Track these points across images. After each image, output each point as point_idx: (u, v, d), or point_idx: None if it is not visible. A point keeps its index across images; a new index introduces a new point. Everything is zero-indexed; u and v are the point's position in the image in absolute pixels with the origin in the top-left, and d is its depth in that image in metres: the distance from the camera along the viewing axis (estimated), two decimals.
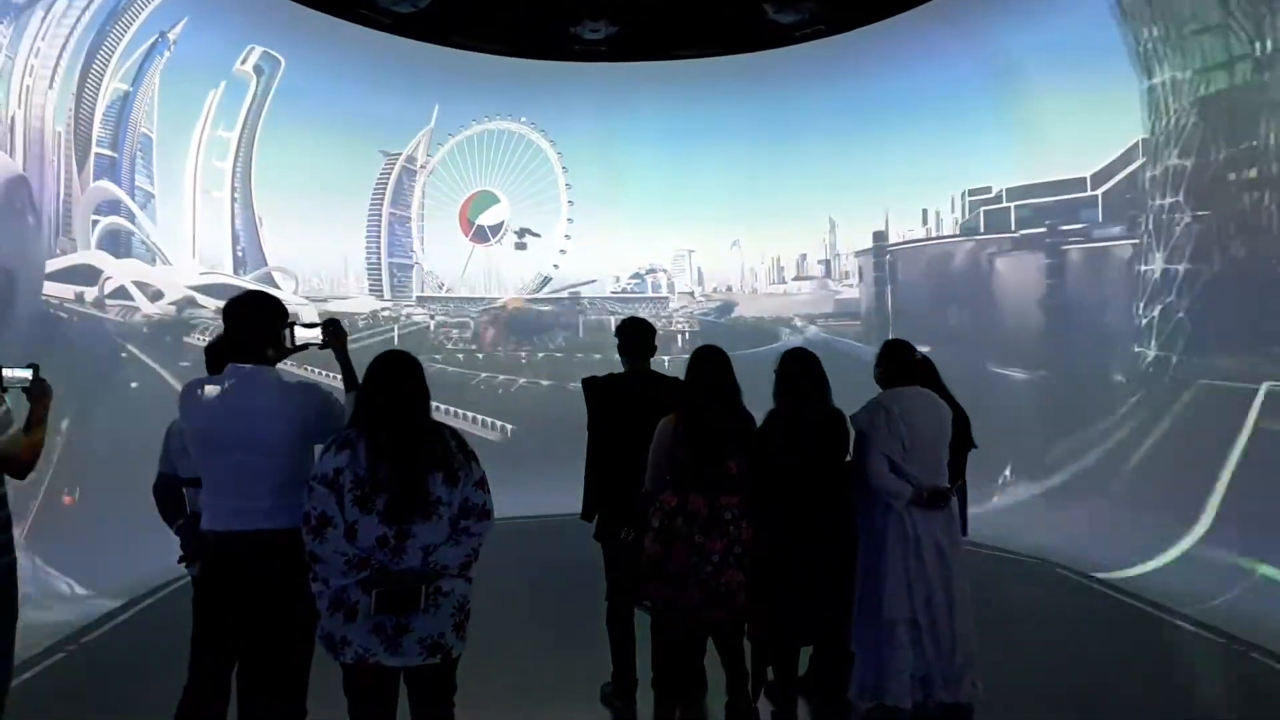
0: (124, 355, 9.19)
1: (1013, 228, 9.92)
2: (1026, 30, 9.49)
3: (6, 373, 3.10)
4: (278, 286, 11.29)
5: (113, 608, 6.32)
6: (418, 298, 12.81)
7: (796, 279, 12.68)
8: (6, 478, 3.11)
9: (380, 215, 12.46)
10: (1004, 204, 10.06)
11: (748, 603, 3.98)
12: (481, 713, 3.51)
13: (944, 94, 10.54)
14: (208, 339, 4.06)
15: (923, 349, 4.56)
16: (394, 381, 3.00)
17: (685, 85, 11.77)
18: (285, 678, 3.10)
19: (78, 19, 8.04)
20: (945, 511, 4.22)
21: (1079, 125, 9.16)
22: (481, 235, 13.20)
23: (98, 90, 8.61)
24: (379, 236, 12.47)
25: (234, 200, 10.84)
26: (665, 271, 13.33)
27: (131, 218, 9.42)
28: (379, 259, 12.48)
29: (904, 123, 10.98)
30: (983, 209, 10.29)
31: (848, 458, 4.25)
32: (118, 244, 9.28)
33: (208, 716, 3.28)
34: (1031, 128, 9.66)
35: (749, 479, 4.03)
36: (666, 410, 4.12)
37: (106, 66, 8.64)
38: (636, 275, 13.37)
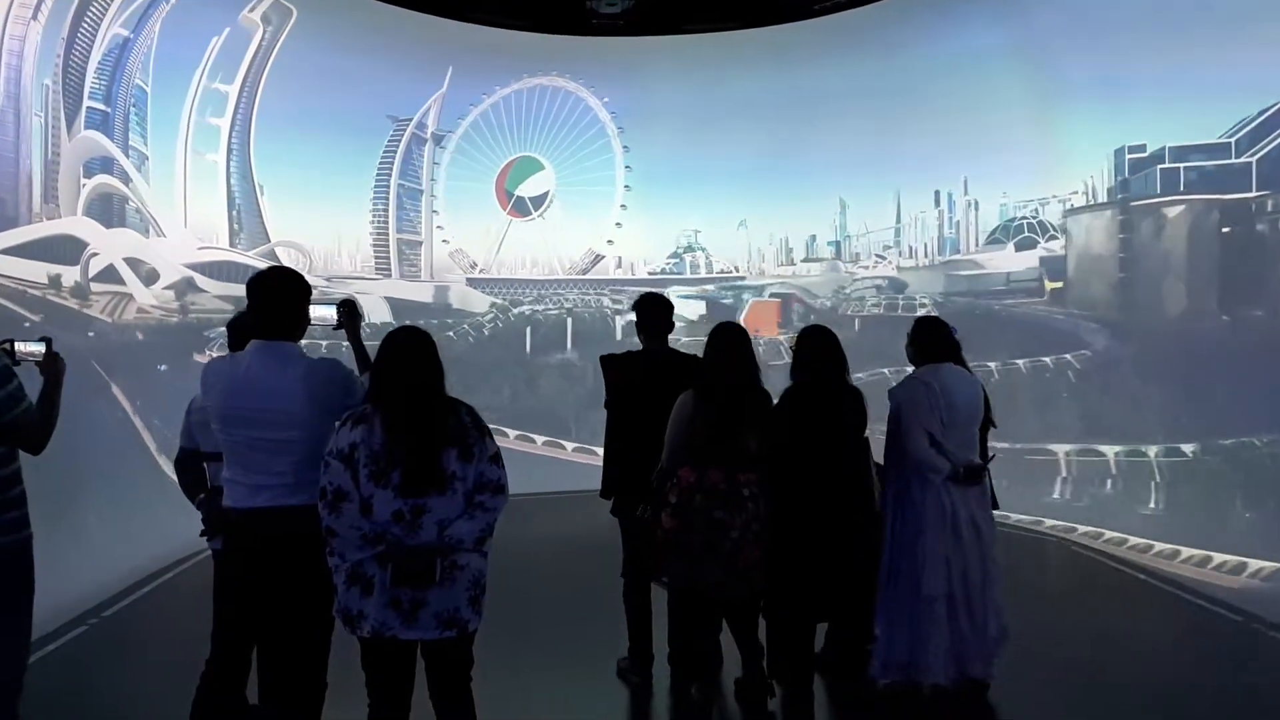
0: (114, 389, 7.82)
1: (1181, 189, 8.86)
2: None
3: (19, 347, 3.14)
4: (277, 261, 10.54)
5: (133, 582, 6.37)
6: (469, 280, 12.11)
7: (806, 260, 12.30)
8: (20, 452, 3.11)
9: (388, 187, 11.63)
10: (1170, 164, 8.95)
11: (764, 579, 3.99)
12: (499, 687, 3.53)
13: (967, 66, 10.16)
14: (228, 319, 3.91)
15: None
16: (408, 357, 3.00)
17: (707, 59, 11.34)
18: (306, 652, 3.13)
19: None
20: (979, 487, 4.26)
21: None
22: (522, 208, 12.47)
23: (93, 37, 7.83)
24: (386, 210, 11.65)
25: (230, 164, 9.98)
26: (704, 250, 12.70)
27: (126, 180, 8.50)
28: (387, 235, 11.67)
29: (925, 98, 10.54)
30: (1158, 168, 8.93)
31: (866, 435, 4.24)
32: (109, 211, 8.24)
33: (229, 690, 3.38)
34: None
35: (767, 456, 4.03)
36: (685, 388, 4.11)
37: (106, 10, 7.93)
38: (674, 255, 12.78)
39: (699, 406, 4.00)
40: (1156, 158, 9.03)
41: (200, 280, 9.77)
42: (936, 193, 11.04)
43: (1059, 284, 9.93)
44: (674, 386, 4.12)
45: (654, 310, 4.56)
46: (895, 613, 4.24)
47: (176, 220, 9.46)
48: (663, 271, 12.77)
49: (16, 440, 3.01)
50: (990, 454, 4.55)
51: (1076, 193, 9.59)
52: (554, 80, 12.19)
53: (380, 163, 11.65)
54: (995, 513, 4.54)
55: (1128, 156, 9.17)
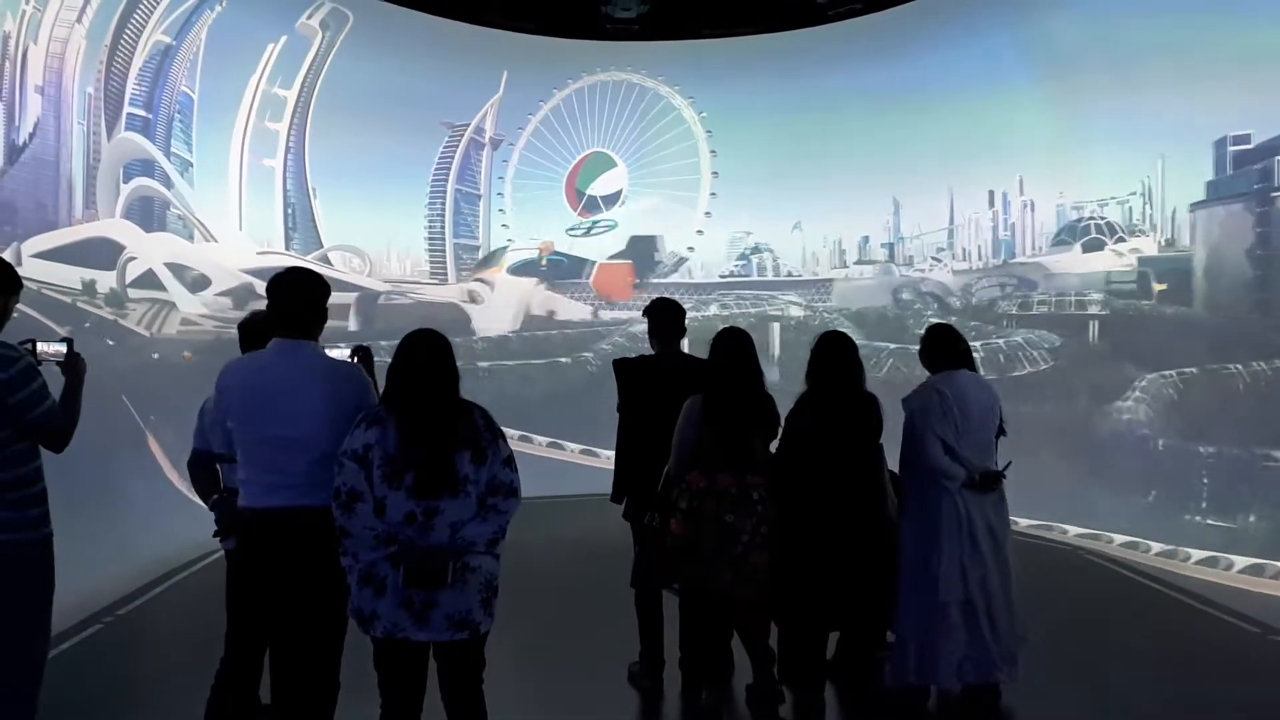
0: (150, 420, 7.73)
1: None
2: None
3: (41, 347, 3.18)
4: (330, 265, 10.57)
5: (147, 581, 6.38)
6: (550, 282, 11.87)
7: (858, 263, 11.83)
8: (42, 451, 3.15)
9: (444, 192, 11.57)
10: None
11: (774, 585, 4.02)
12: (510, 690, 3.52)
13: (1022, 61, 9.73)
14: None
15: None
16: (424, 360, 3.02)
17: (754, 59, 11.11)
18: (319, 653, 3.15)
19: None
20: (995, 494, 4.28)
21: None
22: (593, 207, 12.22)
23: (135, 44, 7.95)
24: (443, 215, 11.59)
25: (286, 169, 10.10)
26: (771, 252, 12.23)
27: (167, 183, 8.65)
28: (443, 239, 11.59)
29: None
30: (1277, 160, 8.17)
31: (880, 441, 4.24)
32: (149, 215, 8.37)
33: (242, 690, 3.40)
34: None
35: (776, 461, 4.09)
36: (697, 393, 4.12)
37: (149, 18, 8.01)
38: (742, 257, 12.33)
39: (706, 412, 4.02)
40: (1270, 149, 8.15)
41: (261, 287, 9.79)
42: (990, 193, 10.48)
43: (1163, 285, 9.08)
44: (686, 391, 4.13)
45: (666, 316, 4.59)
46: (911, 618, 4.25)
47: (229, 226, 9.52)
48: (730, 275, 12.35)
49: (40, 438, 3.07)
50: (1007, 464, 4.52)
51: (1135, 193, 9.04)
52: (627, 76, 11.95)
53: (436, 168, 11.62)
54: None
55: (1230, 149, 8.30)
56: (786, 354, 11.21)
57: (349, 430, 3.03)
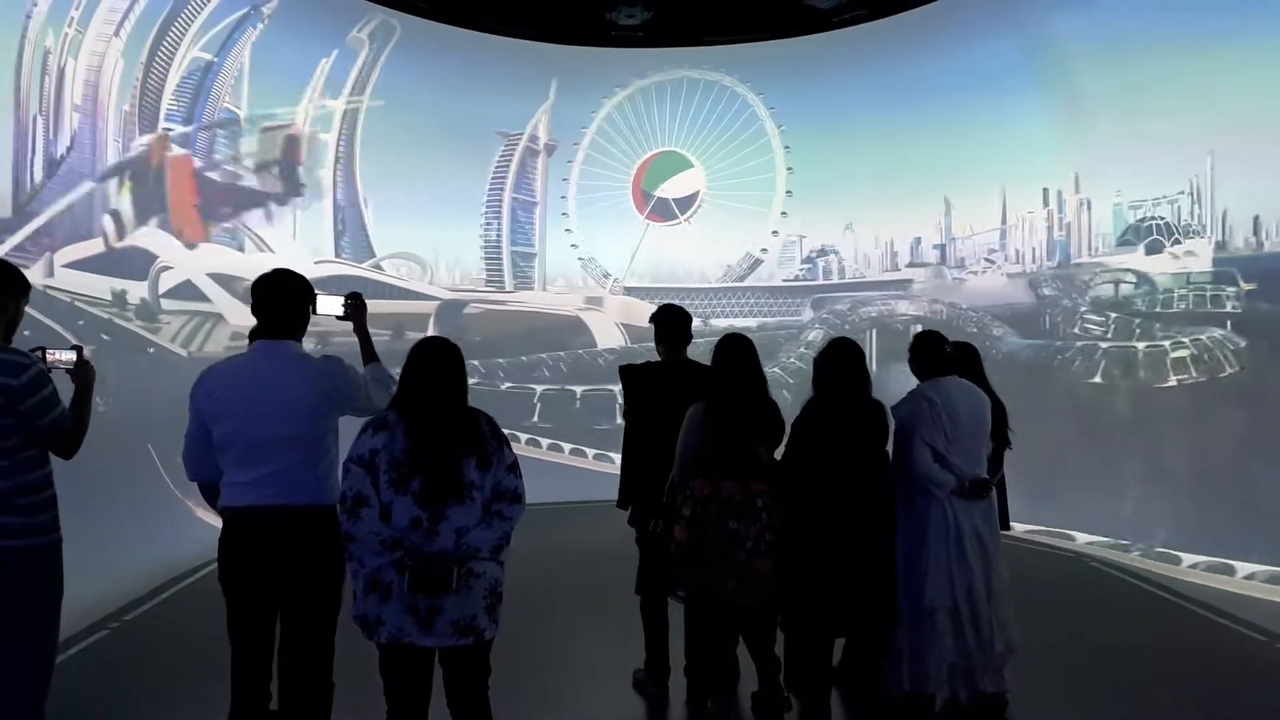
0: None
1: None
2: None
3: (51, 354, 3.24)
4: (381, 271, 10.67)
5: (154, 586, 6.45)
6: (626, 288, 11.73)
7: (910, 265, 11.26)
8: (52, 457, 3.20)
9: (501, 200, 11.53)
10: None
11: (780, 591, 4.05)
12: (515, 695, 3.58)
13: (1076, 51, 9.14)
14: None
15: None
16: (436, 367, 3.05)
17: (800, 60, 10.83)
18: (310, 652, 3.20)
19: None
20: (985, 501, 4.32)
21: None
22: (664, 210, 11.94)
23: (170, 61, 8.17)
24: (500, 223, 11.55)
25: (336, 179, 10.25)
26: (836, 254, 11.71)
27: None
28: (500, 247, 11.56)
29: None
30: None
31: (887, 449, 4.26)
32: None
33: (252, 694, 3.33)
34: None
35: (782, 468, 4.10)
36: (703, 399, 4.15)
37: (183, 35, 8.24)
38: (808, 260, 11.82)
39: (710, 419, 4.04)
40: None
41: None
42: (1045, 190, 9.76)
43: (1252, 285, 8.18)
44: (693, 398, 4.16)
45: (673, 322, 4.61)
46: (902, 625, 4.29)
47: (283, 236, 9.68)
48: (796, 278, 11.87)
49: (50, 444, 3.12)
50: (997, 473, 4.58)
51: (1183, 193, 8.38)
52: (690, 73, 11.65)
53: (493, 177, 11.60)
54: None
55: None
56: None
57: (333, 428, 3.18)
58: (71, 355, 3.30)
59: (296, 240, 9.92)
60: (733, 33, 10.78)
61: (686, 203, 11.93)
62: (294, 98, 9.77)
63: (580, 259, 12.01)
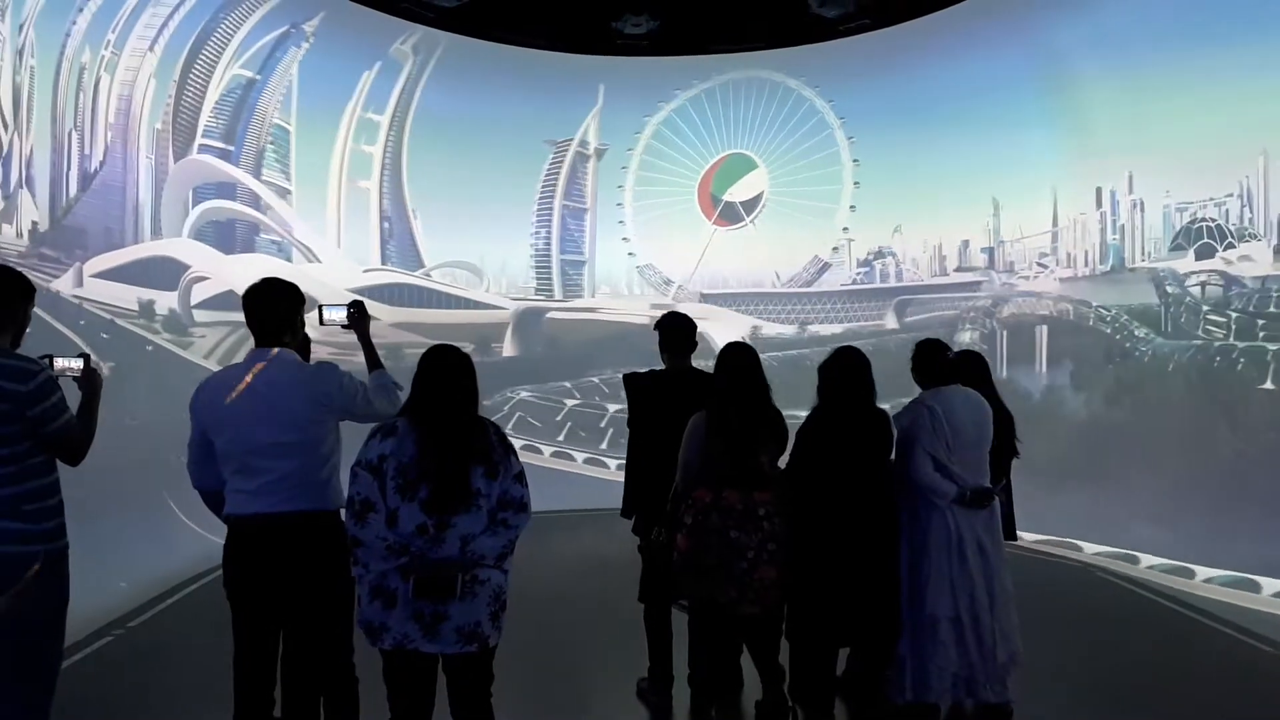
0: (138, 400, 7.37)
1: None
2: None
3: (58, 362, 3.26)
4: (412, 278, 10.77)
5: (159, 593, 6.45)
6: (701, 294, 11.61)
7: (959, 270, 10.80)
8: (59, 464, 3.23)
9: (551, 208, 11.54)
10: None
11: (783, 600, 4.05)
12: (518, 703, 3.57)
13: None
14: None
15: None
16: (446, 376, 3.05)
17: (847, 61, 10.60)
18: (323, 652, 3.22)
19: (173, 10, 7.93)
20: (987, 510, 4.30)
21: None
22: (732, 215, 11.71)
23: (206, 79, 8.48)
24: (550, 231, 11.56)
25: (382, 190, 10.44)
26: (894, 256, 11.28)
27: (257, 203, 9.11)
28: (549, 255, 11.57)
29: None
30: None
31: (891, 457, 4.25)
32: (231, 239, 8.88)
33: (257, 696, 3.31)
34: None
35: (789, 477, 4.09)
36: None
37: (220, 54, 8.54)
38: (865, 263, 11.42)
39: (712, 427, 4.02)
40: None
41: (370, 305, 10.12)
42: (1099, 190, 9.27)
43: None
44: (697, 406, 4.14)
45: (677, 330, 4.58)
46: (904, 635, 4.27)
47: (329, 247, 9.92)
48: (854, 282, 11.47)
49: (57, 451, 3.14)
50: (1001, 481, 4.56)
51: (1231, 195, 8.04)
52: (755, 73, 11.42)
53: (543, 185, 11.61)
54: None
55: None
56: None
57: (334, 432, 3.21)
58: (79, 363, 3.32)
59: (341, 249, 10.14)
60: (738, 41, 10.82)
61: (752, 205, 11.68)
62: (338, 111, 10.01)
63: (638, 267, 11.91)
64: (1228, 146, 7.76)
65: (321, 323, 3.61)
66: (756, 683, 4.28)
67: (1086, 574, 7.65)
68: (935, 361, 4.40)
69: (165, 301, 8.04)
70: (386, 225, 10.59)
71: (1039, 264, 9.97)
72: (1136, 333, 9.27)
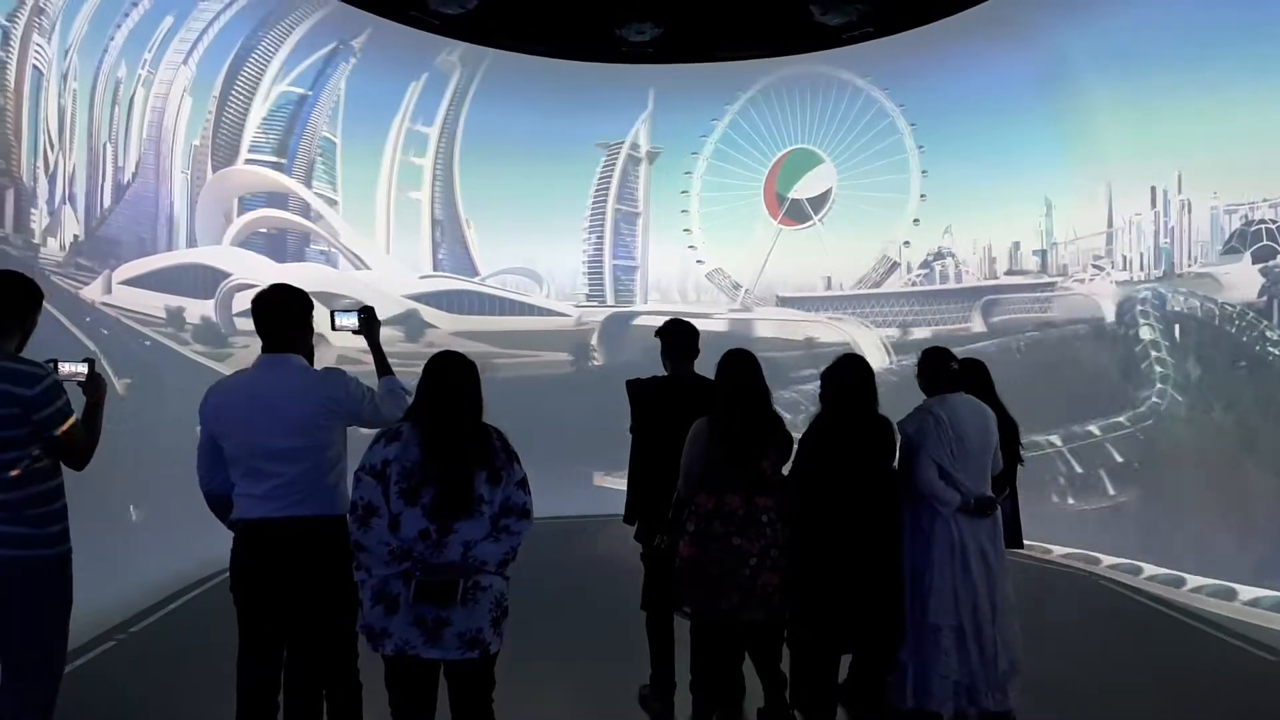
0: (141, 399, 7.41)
1: None
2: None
3: (63, 367, 3.29)
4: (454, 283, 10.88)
5: (161, 598, 6.51)
6: (779, 298, 11.39)
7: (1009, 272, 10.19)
8: (63, 468, 3.27)
9: (604, 213, 11.47)
10: None
11: (786, 606, 4.05)
12: (520, 710, 3.58)
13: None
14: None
15: None
16: (451, 381, 3.07)
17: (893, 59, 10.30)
18: (329, 657, 3.26)
19: (206, 27, 8.31)
20: (990, 519, 4.32)
21: None
22: (798, 213, 11.38)
23: (249, 97, 8.88)
24: (602, 236, 11.49)
25: (434, 200, 10.62)
26: (953, 256, 10.66)
27: (306, 213, 9.43)
28: (601, 261, 11.49)
29: None
30: None
31: (893, 465, 4.28)
32: (281, 248, 9.20)
33: (261, 700, 3.33)
34: None
35: (790, 484, 4.11)
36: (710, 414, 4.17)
37: (261, 74, 8.91)
38: (925, 265, 10.85)
39: (714, 433, 4.03)
40: None
41: (427, 312, 10.34)
42: (1153, 189, 8.76)
43: None
44: (699, 413, 4.16)
45: (679, 336, 4.61)
46: (906, 642, 4.29)
47: (377, 253, 10.19)
48: (913, 284, 10.89)
49: (63, 455, 3.17)
50: (1004, 489, 4.58)
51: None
52: (817, 68, 11.06)
53: (596, 189, 11.57)
54: None
55: None
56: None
57: (342, 436, 3.25)
58: (83, 368, 3.34)
59: (391, 255, 10.40)
60: (742, 48, 10.75)
61: (819, 202, 11.28)
62: (385, 124, 10.31)
63: (707, 274, 11.69)
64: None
65: (334, 328, 3.67)
66: (758, 690, 4.27)
67: (1090, 582, 7.56)
68: (941, 369, 4.39)
69: (197, 309, 8.33)
70: (438, 233, 10.78)
71: (1094, 266, 9.34)
72: (1269, 333, 8.39)
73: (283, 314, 3.32)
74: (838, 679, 4.31)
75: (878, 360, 10.31)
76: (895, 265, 11.00)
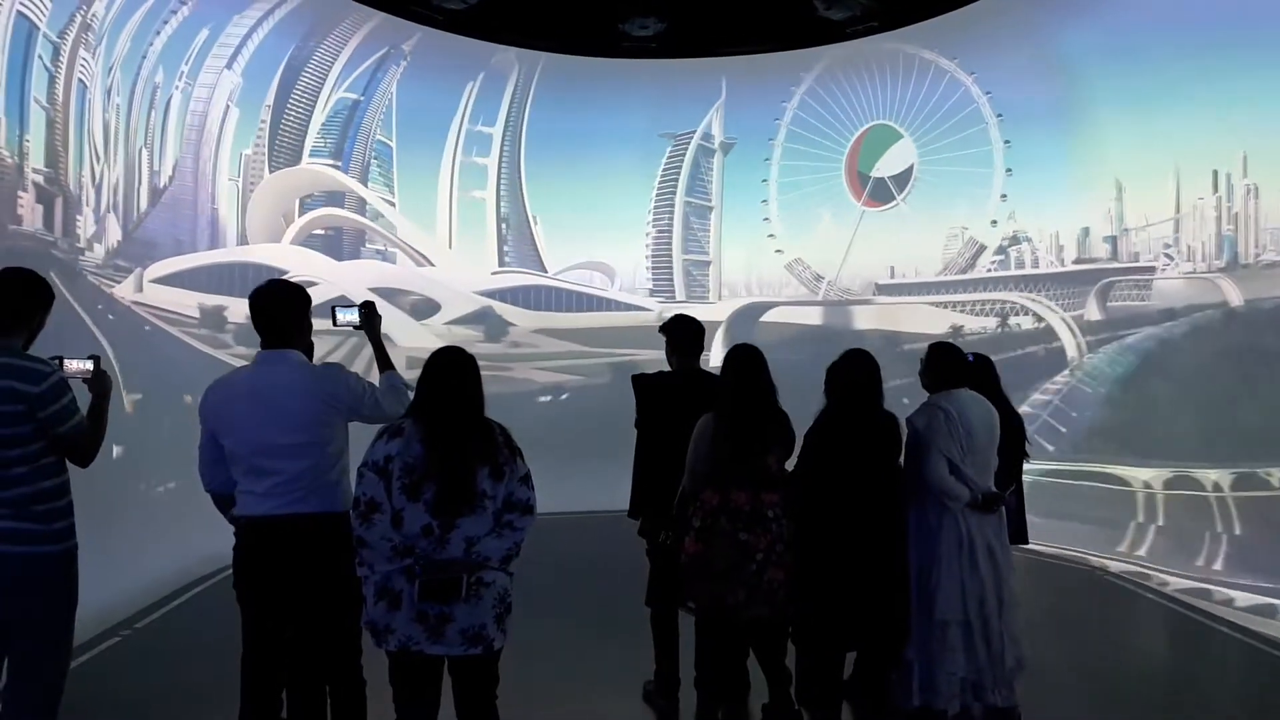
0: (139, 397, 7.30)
1: None
2: None
3: (69, 364, 3.34)
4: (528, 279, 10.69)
5: (165, 594, 6.57)
6: (878, 285, 10.77)
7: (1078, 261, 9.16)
8: (69, 465, 3.34)
9: (672, 205, 11.00)
10: None
11: (791, 602, 4.06)
12: (524, 706, 3.61)
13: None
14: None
15: None
16: (452, 377, 3.10)
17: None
18: (331, 655, 3.28)
19: (247, 35, 8.63)
20: (996, 515, 4.35)
21: None
22: (882, 193, 10.61)
23: (310, 104, 9.18)
24: (671, 230, 11.01)
25: (499, 198, 10.59)
26: (1029, 241, 9.50)
27: (363, 209, 9.56)
28: (669, 255, 11.01)
29: None
30: None
31: (899, 460, 4.30)
32: (338, 248, 9.40)
33: (264, 697, 3.40)
34: None
35: (796, 479, 4.14)
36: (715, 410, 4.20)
37: (322, 82, 9.19)
38: (1000, 250, 9.73)
39: (719, 428, 4.06)
40: None
41: (503, 309, 10.31)
42: (1215, 173, 7.92)
43: None
44: (704, 408, 4.19)
45: (685, 332, 4.66)
46: (915, 638, 4.31)
47: (439, 250, 10.28)
48: (989, 270, 9.75)
49: (68, 452, 3.19)
50: (1010, 485, 4.62)
51: None
52: (900, 46, 10.24)
53: (661, 181, 11.13)
54: None
55: None
56: None
57: (343, 432, 3.29)
58: (89, 365, 3.36)
59: (454, 251, 10.43)
60: (746, 43, 10.64)
61: (902, 180, 10.40)
62: (442, 125, 10.41)
63: (786, 265, 11.01)
64: None
65: (335, 324, 3.69)
66: (763, 686, 4.28)
67: (1094, 578, 7.51)
68: (951, 364, 4.38)
69: (239, 308, 8.34)
70: (503, 229, 10.74)
71: (1165, 254, 8.31)
72: None
73: (281, 310, 3.31)
74: (843, 675, 4.34)
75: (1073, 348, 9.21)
76: (982, 248, 9.88)
